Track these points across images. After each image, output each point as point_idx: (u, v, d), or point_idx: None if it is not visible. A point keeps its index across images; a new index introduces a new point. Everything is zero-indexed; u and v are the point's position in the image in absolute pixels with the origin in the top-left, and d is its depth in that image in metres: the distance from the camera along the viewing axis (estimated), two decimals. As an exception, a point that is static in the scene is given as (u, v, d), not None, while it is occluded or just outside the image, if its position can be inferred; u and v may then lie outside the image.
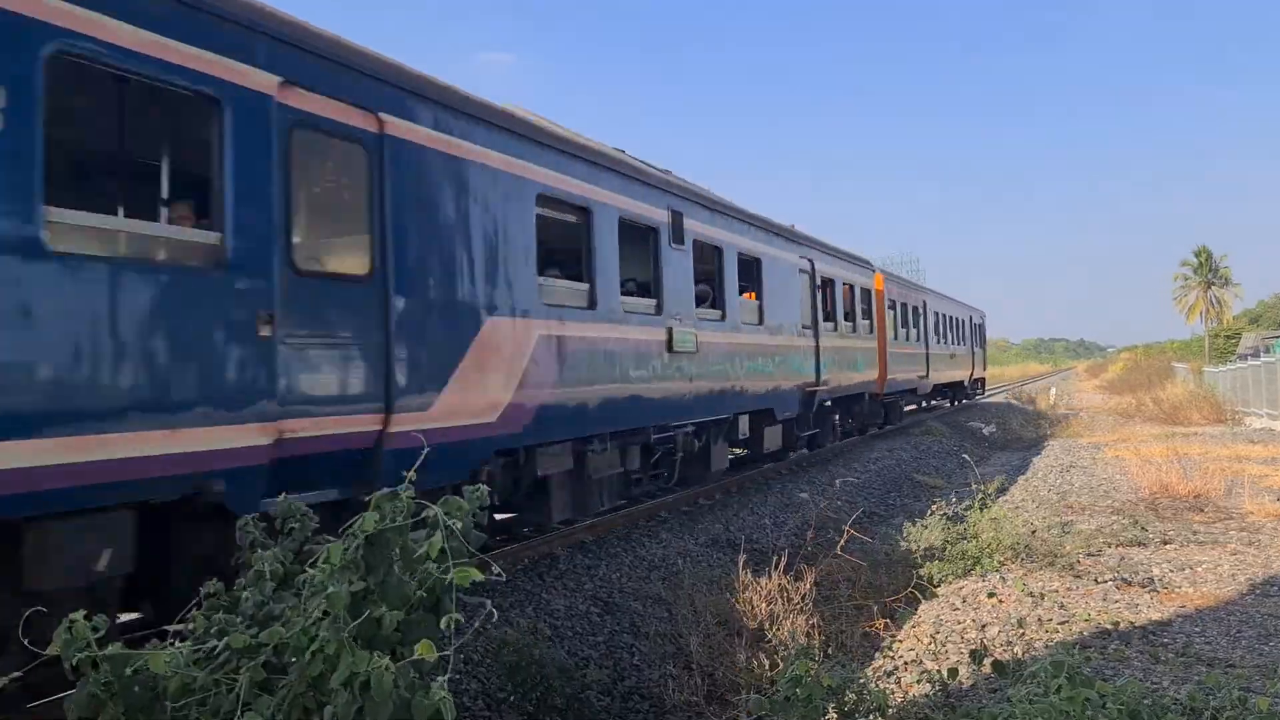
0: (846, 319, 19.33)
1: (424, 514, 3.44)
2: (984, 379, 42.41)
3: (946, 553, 9.97)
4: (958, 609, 8.47)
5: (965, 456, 18.81)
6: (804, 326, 16.36)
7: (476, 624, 4.48)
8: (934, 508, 11.40)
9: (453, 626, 3.16)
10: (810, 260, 17.14)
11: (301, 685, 3.07)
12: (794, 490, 14.74)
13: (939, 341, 29.05)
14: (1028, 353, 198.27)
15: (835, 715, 4.25)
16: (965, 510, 11.10)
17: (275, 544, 3.94)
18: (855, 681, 4.33)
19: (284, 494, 4.30)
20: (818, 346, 16.83)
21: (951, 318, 32.15)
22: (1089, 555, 10.23)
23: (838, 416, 19.78)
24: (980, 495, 11.32)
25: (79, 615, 3.17)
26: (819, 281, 17.58)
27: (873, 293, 21.72)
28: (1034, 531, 10.79)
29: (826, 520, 11.49)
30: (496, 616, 3.29)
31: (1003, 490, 15.53)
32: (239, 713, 3.01)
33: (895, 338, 23.08)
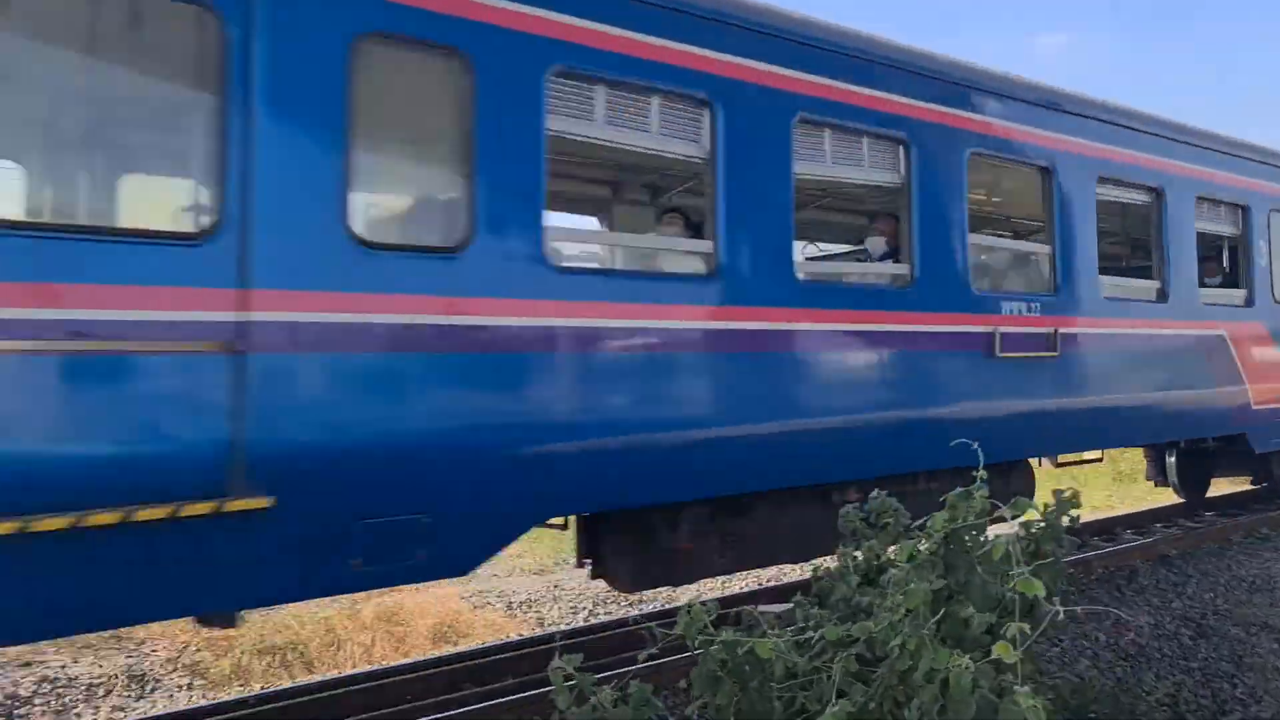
0: None
1: (996, 514, 3.45)
2: None
3: None
4: None
5: None
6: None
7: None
8: None
9: (1018, 637, 3.01)
10: None
11: (892, 678, 3.24)
12: None
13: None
14: None
15: None
16: None
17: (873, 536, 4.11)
18: None
19: (877, 491, 4.38)
20: None
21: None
22: None
23: None
24: None
25: (696, 601, 3.68)
26: None
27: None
28: None
29: None
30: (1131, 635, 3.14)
31: None
32: (833, 699, 3.28)
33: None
